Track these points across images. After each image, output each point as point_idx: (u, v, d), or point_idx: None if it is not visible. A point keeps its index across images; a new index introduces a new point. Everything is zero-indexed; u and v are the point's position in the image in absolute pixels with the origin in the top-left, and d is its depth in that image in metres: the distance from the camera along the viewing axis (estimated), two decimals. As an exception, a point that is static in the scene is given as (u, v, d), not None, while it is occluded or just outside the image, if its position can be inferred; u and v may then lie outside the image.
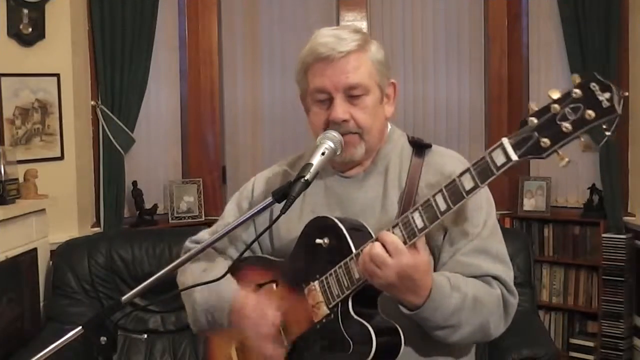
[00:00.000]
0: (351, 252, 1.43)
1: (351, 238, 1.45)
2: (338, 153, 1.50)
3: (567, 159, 1.21)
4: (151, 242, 3.27)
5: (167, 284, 1.39)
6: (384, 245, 1.35)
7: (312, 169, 1.41)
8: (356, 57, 1.54)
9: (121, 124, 3.77)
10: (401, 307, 1.42)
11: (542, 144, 1.21)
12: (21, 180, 3.30)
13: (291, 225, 1.63)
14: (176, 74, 4.29)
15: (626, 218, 3.92)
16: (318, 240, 1.50)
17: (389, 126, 1.69)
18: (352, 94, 1.54)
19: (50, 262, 3.36)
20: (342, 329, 1.44)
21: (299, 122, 1.72)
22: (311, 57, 1.55)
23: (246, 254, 1.64)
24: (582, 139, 1.19)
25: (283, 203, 1.38)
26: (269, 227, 1.56)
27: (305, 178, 1.40)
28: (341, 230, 1.46)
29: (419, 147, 1.64)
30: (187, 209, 4.20)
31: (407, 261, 1.34)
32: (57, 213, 3.46)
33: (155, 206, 4.12)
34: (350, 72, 1.52)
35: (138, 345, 3.11)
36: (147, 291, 1.36)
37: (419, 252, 1.36)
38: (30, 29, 3.47)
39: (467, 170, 1.30)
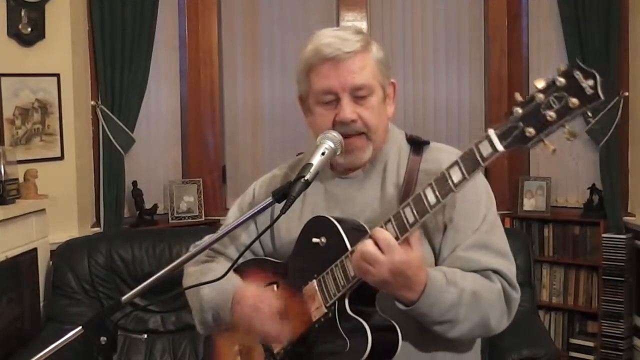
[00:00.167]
0: (347, 250, 1.43)
1: (348, 237, 1.45)
2: (338, 153, 1.50)
3: (553, 147, 1.21)
4: (151, 242, 3.27)
5: (167, 284, 1.38)
6: (376, 243, 1.35)
7: (312, 169, 1.41)
8: (361, 57, 1.53)
9: (121, 124, 3.77)
10: (397, 303, 1.42)
11: (527, 134, 1.21)
12: (21, 180, 3.30)
13: (291, 225, 1.63)
14: (176, 74, 4.29)
15: (626, 218, 3.92)
16: (315, 240, 1.50)
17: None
18: (358, 95, 1.53)
19: (50, 262, 3.36)
20: (340, 328, 1.44)
21: (299, 122, 1.71)
22: (316, 58, 1.54)
23: (247, 255, 1.64)
24: (567, 127, 1.19)
25: (283, 203, 1.38)
26: (269, 227, 1.55)
27: (306, 178, 1.40)
28: (337, 228, 1.46)
29: (417, 145, 1.63)
30: (187, 209, 4.20)
31: (399, 257, 1.34)
32: (57, 213, 3.46)
33: (155, 206, 4.12)
34: (356, 73, 1.52)
35: (138, 345, 3.11)
36: (147, 291, 1.36)
37: (412, 248, 1.36)
38: (30, 29, 3.47)
39: (455, 162, 1.30)
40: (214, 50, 4.32)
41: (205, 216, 4.24)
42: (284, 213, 1.38)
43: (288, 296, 1.56)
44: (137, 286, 1.37)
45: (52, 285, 3.21)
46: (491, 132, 1.26)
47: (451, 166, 1.31)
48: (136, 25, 3.79)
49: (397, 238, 1.35)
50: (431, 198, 1.32)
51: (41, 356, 1.29)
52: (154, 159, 4.25)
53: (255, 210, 1.46)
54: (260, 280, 1.64)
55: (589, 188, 4.05)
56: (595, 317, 4.02)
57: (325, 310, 1.47)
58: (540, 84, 1.20)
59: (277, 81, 4.37)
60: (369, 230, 1.43)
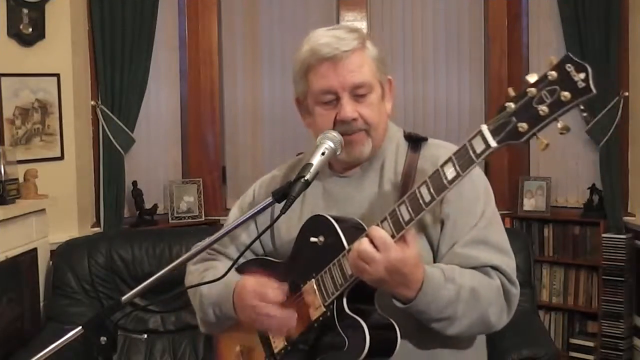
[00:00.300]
0: (345, 249, 1.43)
1: (345, 235, 1.44)
2: (338, 153, 1.50)
3: (546, 142, 1.20)
4: (151, 242, 3.28)
5: (167, 284, 1.38)
6: (372, 241, 1.35)
7: (312, 169, 1.41)
8: (359, 55, 1.54)
9: (121, 124, 3.77)
10: (395, 301, 1.42)
11: (519, 129, 1.20)
12: (21, 180, 3.30)
13: (291, 225, 1.63)
14: (176, 74, 4.29)
15: (626, 218, 3.92)
16: (313, 239, 1.50)
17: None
18: (357, 93, 1.53)
19: (50, 262, 3.36)
20: (338, 327, 1.44)
21: (299, 122, 1.70)
22: (313, 58, 1.53)
23: (247, 255, 1.64)
24: (560, 122, 1.18)
25: (283, 203, 1.38)
26: (269, 227, 1.56)
27: (305, 178, 1.39)
28: (335, 227, 1.46)
29: (415, 142, 1.63)
30: (187, 209, 4.20)
31: (395, 255, 1.33)
32: (57, 213, 3.46)
33: (155, 206, 4.12)
34: (355, 71, 1.52)
35: (138, 345, 3.12)
36: (147, 291, 1.36)
37: (408, 246, 1.36)
38: (30, 29, 3.47)
39: (449, 159, 1.29)
40: (214, 50, 4.33)
41: (205, 216, 4.24)
42: (284, 213, 1.38)
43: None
44: (137, 286, 1.37)
45: (52, 285, 3.21)
46: (484, 128, 1.25)
47: (445, 163, 1.30)
48: (136, 25, 3.79)
49: (393, 236, 1.35)
50: (426, 195, 1.32)
51: (41, 356, 1.29)
52: (154, 159, 4.25)
53: (255, 210, 1.46)
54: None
55: (589, 188, 4.05)
56: (595, 317, 4.02)
57: (324, 310, 1.47)
58: (533, 78, 1.19)
59: (277, 81, 4.37)
60: (367, 229, 1.43)
